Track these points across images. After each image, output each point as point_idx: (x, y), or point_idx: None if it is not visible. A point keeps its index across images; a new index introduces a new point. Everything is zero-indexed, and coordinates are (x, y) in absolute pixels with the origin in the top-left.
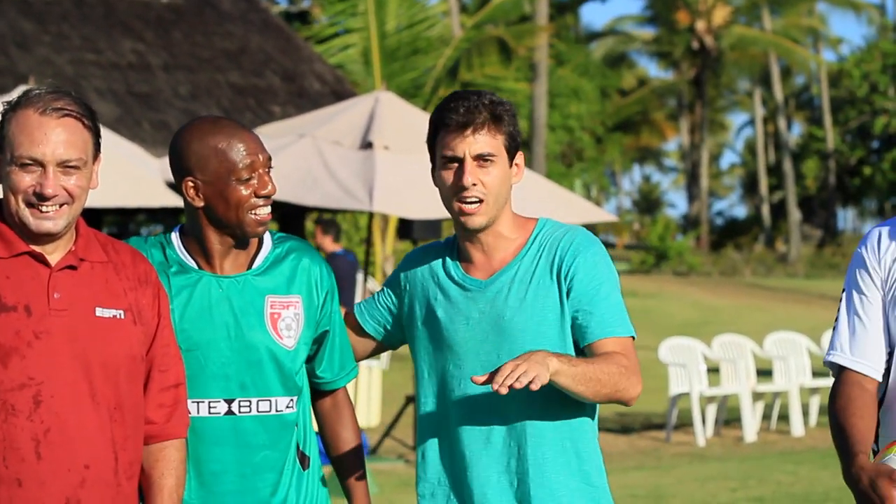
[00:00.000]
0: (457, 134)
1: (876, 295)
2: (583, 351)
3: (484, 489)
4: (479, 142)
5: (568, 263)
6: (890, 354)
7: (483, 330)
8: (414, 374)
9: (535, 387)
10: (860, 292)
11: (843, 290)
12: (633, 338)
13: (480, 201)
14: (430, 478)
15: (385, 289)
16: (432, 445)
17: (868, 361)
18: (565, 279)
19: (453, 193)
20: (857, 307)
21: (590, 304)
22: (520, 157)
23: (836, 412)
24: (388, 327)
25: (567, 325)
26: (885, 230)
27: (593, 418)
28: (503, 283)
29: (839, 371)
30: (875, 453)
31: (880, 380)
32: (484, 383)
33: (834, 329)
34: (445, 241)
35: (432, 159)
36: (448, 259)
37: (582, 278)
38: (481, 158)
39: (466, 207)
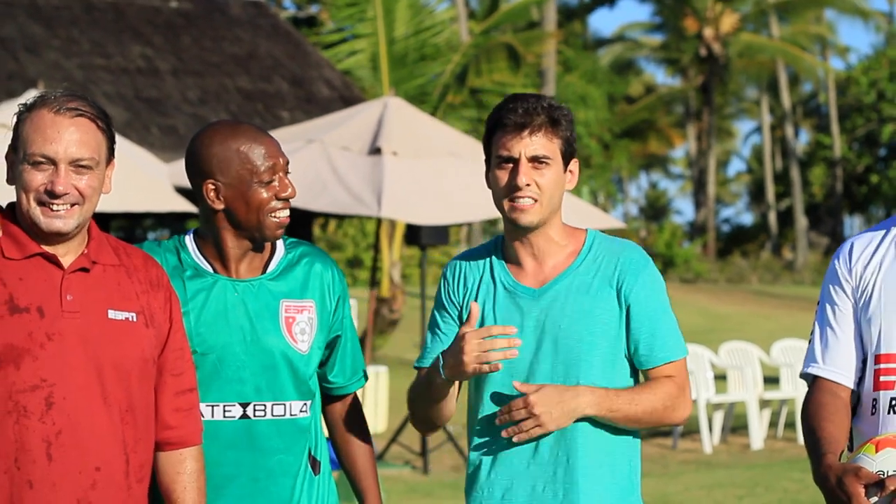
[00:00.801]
0: (514, 134)
1: (847, 304)
2: (641, 371)
3: (531, 499)
4: (535, 143)
5: (630, 282)
6: (863, 363)
7: (537, 338)
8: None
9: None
10: (832, 304)
11: (818, 303)
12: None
13: (534, 201)
14: (480, 487)
15: (448, 323)
16: (483, 454)
17: (840, 370)
18: (626, 296)
19: (506, 193)
20: (830, 318)
21: (651, 326)
22: (574, 164)
23: (807, 417)
24: None
25: (622, 339)
26: (857, 240)
27: (637, 433)
28: (559, 292)
29: (813, 380)
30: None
31: (853, 388)
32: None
33: (809, 342)
34: (489, 245)
35: (487, 160)
36: (496, 263)
37: (644, 298)
38: (536, 160)
39: (518, 203)
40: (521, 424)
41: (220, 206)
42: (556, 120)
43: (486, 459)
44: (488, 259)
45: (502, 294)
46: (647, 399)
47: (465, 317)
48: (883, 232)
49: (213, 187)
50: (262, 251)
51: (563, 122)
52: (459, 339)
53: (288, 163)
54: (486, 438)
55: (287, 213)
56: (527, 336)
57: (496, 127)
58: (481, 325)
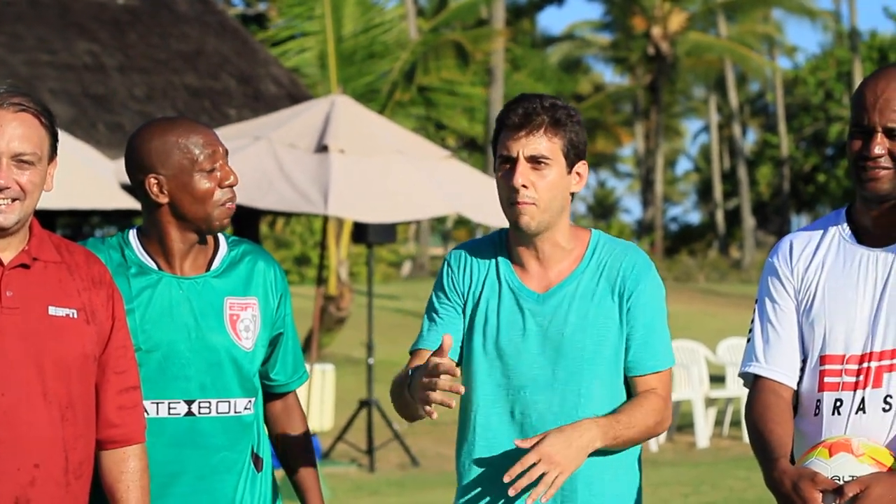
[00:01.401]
0: (513, 134)
1: (789, 303)
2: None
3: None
4: (534, 143)
5: (631, 287)
6: (804, 362)
7: (539, 343)
8: (463, 377)
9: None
10: (773, 301)
11: (756, 301)
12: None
13: (532, 204)
14: (471, 486)
15: (448, 307)
16: (475, 454)
17: (782, 369)
18: (626, 301)
19: (506, 196)
20: (771, 317)
21: (646, 333)
22: (582, 167)
23: (753, 420)
24: (461, 345)
25: (622, 347)
26: (795, 239)
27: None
28: (563, 298)
29: (754, 380)
30: (793, 461)
31: (795, 387)
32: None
33: (748, 340)
34: (494, 238)
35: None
36: (501, 261)
37: (643, 304)
38: (535, 160)
39: (518, 207)
40: (544, 479)
41: (164, 199)
42: (558, 120)
43: (481, 463)
44: (494, 256)
45: (507, 295)
46: (642, 420)
47: (468, 308)
48: (822, 231)
49: (155, 181)
50: (206, 247)
51: (568, 122)
52: (426, 368)
53: (227, 152)
54: (478, 439)
55: (234, 202)
56: (529, 341)
57: (501, 127)
58: (484, 326)
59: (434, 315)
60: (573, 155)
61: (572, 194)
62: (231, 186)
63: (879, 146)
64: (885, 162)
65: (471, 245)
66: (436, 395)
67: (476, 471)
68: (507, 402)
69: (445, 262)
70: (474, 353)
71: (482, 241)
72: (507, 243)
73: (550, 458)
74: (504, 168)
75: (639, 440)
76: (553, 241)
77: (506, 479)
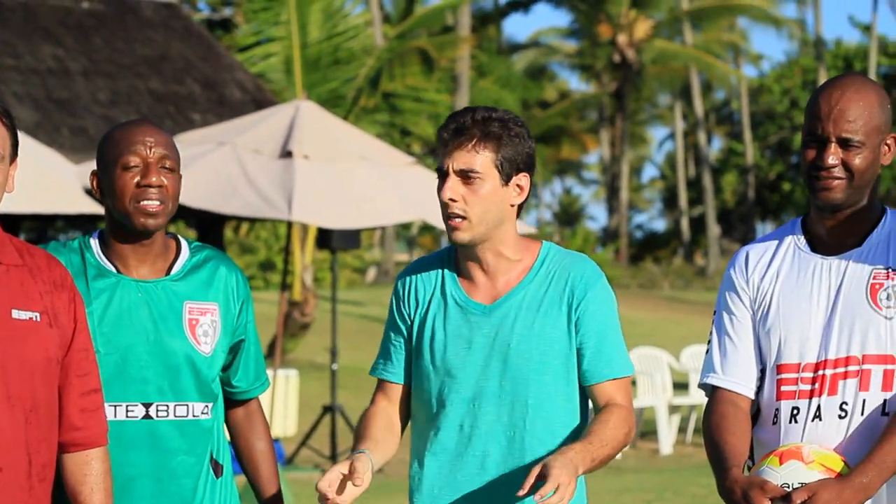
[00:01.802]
0: (444, 148)
1: (745, 314)
2: (583, 386)
3: None
4: (463, 157)
5: (580, 297)
6: (762, 372)
7: (485, 355)
8: (412, 391)
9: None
10: (730, 313)
11: (714, 313)
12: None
13: (462, 218)
14: (424, 500)
15: (399, 335)
16: (426, 469)
17: (740, 380)
18: (576, 311)
19: (442, 208)
20: (728, 328)
21: (598, 341)
22: (523, 179)
23: (709, 429)
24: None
25: (573, 356)
26: (751, 250)
27: None
28: (509, 308)
29: (712, 390)
30: (750, 469)
31: (753, 397)
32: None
33: (707, 352)
34: (443, 254)
35: None
36: (447, 276)
37: (592, 313)
38: (464, 174)
39: (451, 222)
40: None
41: (99, 196)
42: (490, 133)
43: (431, 475)
44: (440, 272)
45: (454, 310)
46: (613, 435)
47: (415, 327)
48: (776, 241)
49: (95, 177)
50: (166, 251)
51: (503, 135)
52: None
53: (166, 156)
54: (429, 453)
55: (157, 203)
56: (476, 354)
57: (438, 141)
58: (431, 342)
59: (387, 345)
60: (509, 168)
61: (519, 207)
62: (150, 187)
63: (833, 156)
64: (839, 172)
65: (417, 265)
66: None
67: (428, 484)
68: (456, 416)
69: (394, 290)
70: (423, 368)
71: (430, 259)
72: (456, 257)
73: (565, 482)
74: (440, 181)
75: (613, 455)
76: (496, 252)
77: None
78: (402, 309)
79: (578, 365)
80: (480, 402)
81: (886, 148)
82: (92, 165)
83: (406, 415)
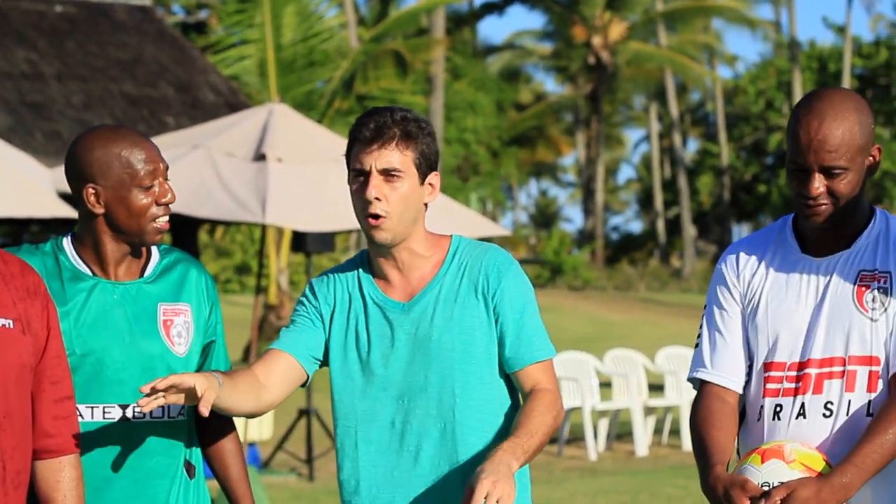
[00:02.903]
0: (366, 147)
1: (735, 309)
2: (506, 371)
3: None
4: (386, 156)
5: (494, 285)
6: (750, 367)
7: (409, 351)
8: (332, 396)
9: None
10: (720, 307)
11: (705, 307)
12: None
13: (384, 217)
14: (361, 501)
15: (305, 318)
16: (362, 471)
17: (728, 374)
18: (492, 299)
19: (361, 208)
20: (718, 322)
21: (517, 327)
22: (434, 178)
23: (696, 424)
24: (320, 357)
25: (494, 344)
26: (742, 246)
27: None
28: (427, 303)
29: (701, 384)
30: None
31: (741, 392)
32: None
33: (696, 346)
34: (356, 259)
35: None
36: (363, 278)
37: (509, 300)
38: (387, 173)
39: (371, 221)
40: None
41: (100, 210)
42: (409, 133)
43: (367, 476)
44: (356, 274)
45: (373, 310)
46: (541, 422)
47: (333, 334)
48: (768, 239)
49: (93, 191)
50: (140, 256)
51: (419, 135)
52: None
53: (167, 168)
54: (361, 448)
55: (167, 218)
56: (399, 350)
57: (353, 140)
58: (356, 344)
59: (291, 325)
60: (425, 167)
61: (426, 205)
62: (167, 204)
63: (818, 186)
64: (824, 199)
65: (332, 270)
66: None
67: (365, 485)
68: (386, 414)
69: (308, 286)
70: (350, 371)
71: (345, 264)
72: (369, 261)
73: (488, 483)
74: (358, 181)
75: (546, 441)
76: (410, 250)
77: None
78: (318, 305)
79: (500, 353)
80: (409, 398)
81: (871, 159)
82: None
83: (276, 388)
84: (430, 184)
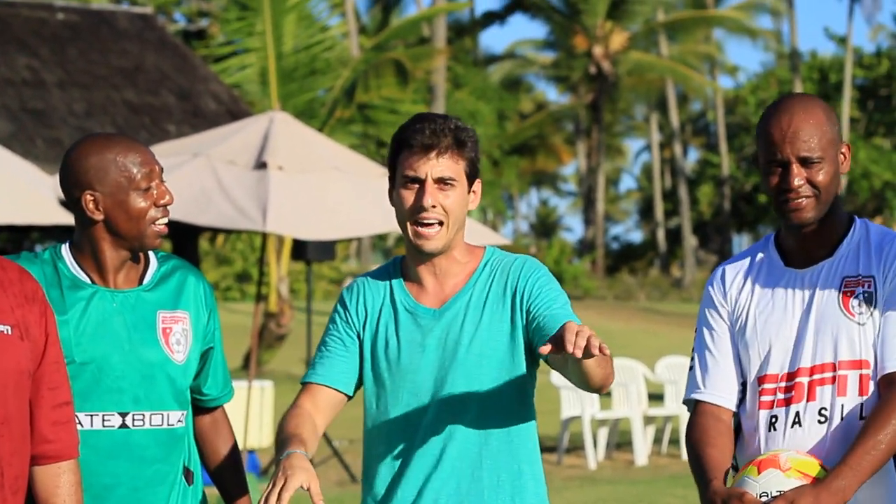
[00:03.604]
0: (420, 155)
1: (724, 328)
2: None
3: None
4: (442, 165)
5: (522, 285)
6: (743, 385)
7: (439, 357)
8: (364, 401)
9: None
10: (710, 328)
11: (696, 331)
12: None
13: (440, 224)
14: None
15: (337, 340)
16: (382, 472)
17: (721, 392)
18: (521, 299)
19: (410, 214)
20: (708, 343)
21: (549, 307)
22: (477, 185)
23: (692, 443)
24: (356, 376)
25: (518, 346)
26: (728, 266)
27: (537, 443)
28: (458, 310)
29: (695, 404)
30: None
31: (734, 409)
32: (551, 352)
33: (690, 369)
34: (388, 267)
35: (391, 178)
36: (395, 285)
37: (540, 292)
38: (442, 182)
39: (423, 230)
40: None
41: (99, 216)
42: (462, 141)
43: (386, 474)
44: (388, 282)
45: (404, 316)
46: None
47: (367, 338)
48: (752, 257)
49: (91, 198)
50: (138, 263)
51: (469, 143)
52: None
53: (163, 170)
54: (387, 452)
55: (166, 221)
56: (429, 356)
57: (402, 146)
58: (385, 350)
59: (324, 349)
60: (473, 175)
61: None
62: (166, 206)
63: (798, 177)
64: (806, 191)
65: (364, 277)
66: None
67: (391, 488)
68: (415, 418)
69: (340, 298)
70: (380, 376)
71: (377, 272)
72: (402, 268)
73: (582, 330)
74: (411, 188)
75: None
76: (451, 257)
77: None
78: (350, 318)
79: (539, 329)
80: (437, 403)
81: (843, 157)
82: None
83: (324, 421)
84: (474, 191)
